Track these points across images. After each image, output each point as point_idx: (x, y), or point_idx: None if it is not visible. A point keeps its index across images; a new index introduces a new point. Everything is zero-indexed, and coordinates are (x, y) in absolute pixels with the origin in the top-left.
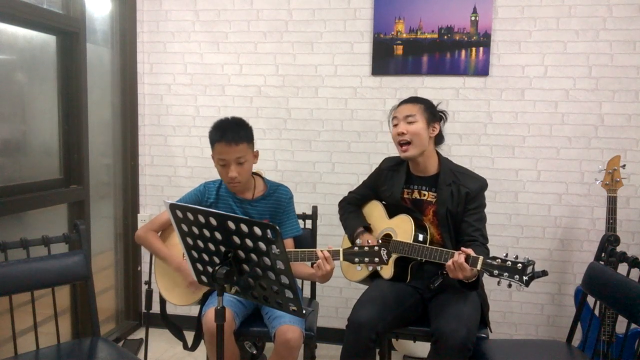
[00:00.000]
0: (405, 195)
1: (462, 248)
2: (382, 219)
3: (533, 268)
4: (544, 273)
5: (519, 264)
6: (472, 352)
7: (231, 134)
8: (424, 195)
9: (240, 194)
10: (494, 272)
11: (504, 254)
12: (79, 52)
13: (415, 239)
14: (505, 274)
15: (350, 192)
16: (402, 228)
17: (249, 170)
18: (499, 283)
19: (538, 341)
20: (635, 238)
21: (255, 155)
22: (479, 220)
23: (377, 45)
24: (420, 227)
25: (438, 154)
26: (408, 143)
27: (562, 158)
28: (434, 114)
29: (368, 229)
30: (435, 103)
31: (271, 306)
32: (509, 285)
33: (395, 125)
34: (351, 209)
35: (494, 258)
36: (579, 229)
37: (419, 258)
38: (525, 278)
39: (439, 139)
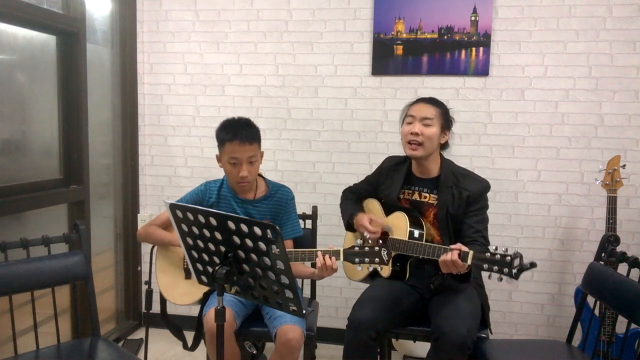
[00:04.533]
0: (404, 196)
1: (451, 246)
2: (380, 217)
3: (521, 260)
4: (532, 265)
5: (507, 257)
6: (471, 350)
7: (244, 133)
8: (425, 197)
9: (242, 194)
10: (484, 266)
11: (494, 247)
12: (79, 52)
13: (411, 236)
14: (495, 267)
15: (354, 184)
16: (397, 225)
17: (258, 170)
18: (489, 277)
19: (538, 341)
20: (635, 238)
21: (261, 156)
22: (480, 222)
23: (377, 45)
24: (414, 223)
25: (441, 155)
26: (419, 144)
27: (562, 158)
28: (448, 121)
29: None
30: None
31: (271, 306)
32: (500, 279)
33: (409, 123)
34: (351, 196)
35: (483, 252)
36: (579, 229)
37: (414, 255)
38: (513, 271)
39: (444, 145)
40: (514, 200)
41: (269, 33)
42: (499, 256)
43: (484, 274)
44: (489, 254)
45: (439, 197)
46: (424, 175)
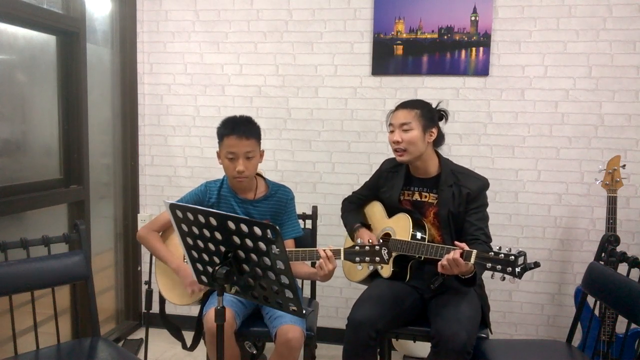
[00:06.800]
0: (405, 197)
1: (456, 242)
2: (382, 219)
3: (525, 259)
4: (536, 264)
5: (511, 256)
6: (471, 354)
7: (242, 128)
8: (425, 197)
9: (242, 194)
10: (487, 265)
11: (497, 247)
12: (79, 52)
13: (413, 237)
14: (498, 266)
15: (353, 192)
16: (400, 226)
17: (256, 167)
18: (492, 276)
19: (538, 341)
20: (635, 238)
21: (261, 155)
22: (481, 220)
23: (377, 45)
24: (418, 225)
25: (438, 154)
26: (403, 150)
27: (562, 158)
28: (431, 119)
29: (366, 226)
30: (435, 102)
31: (271, 306)
32: (503, 278)
33: (391, 132)
34: (351, 207)
35: (487, 251)
36: (579, 229)
37: (416, 255)
38: (517, 270)
39: (438, 140)
40: (514, 200)
41: (269, 33)
42: (502, 255)
43: (487, 273)
44: (492, 253)
45: (439, 196)
46: (422, 175)
